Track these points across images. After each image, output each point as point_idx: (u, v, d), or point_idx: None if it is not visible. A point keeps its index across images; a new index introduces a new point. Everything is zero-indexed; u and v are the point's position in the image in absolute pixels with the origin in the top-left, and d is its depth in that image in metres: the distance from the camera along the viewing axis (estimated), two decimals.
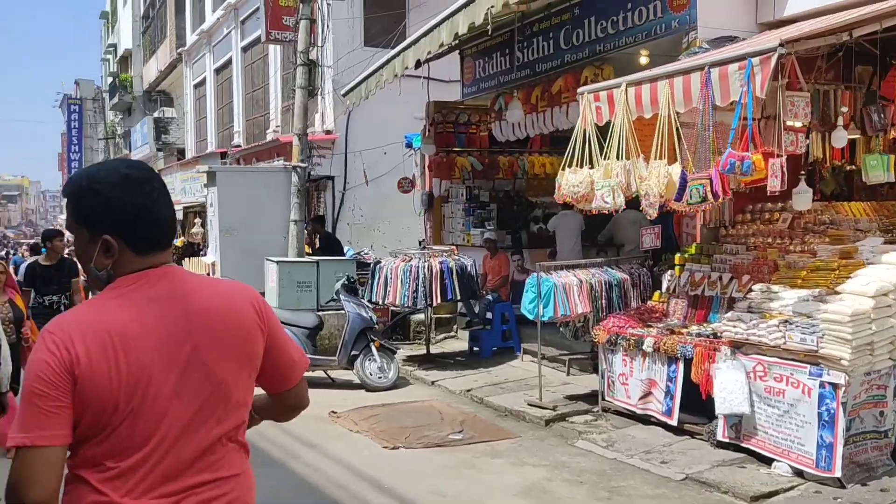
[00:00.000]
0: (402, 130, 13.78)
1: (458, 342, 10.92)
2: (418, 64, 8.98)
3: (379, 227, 15.10)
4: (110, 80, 37.05)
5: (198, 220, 19.50)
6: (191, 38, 24.21)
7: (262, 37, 14.93)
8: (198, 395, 1.74)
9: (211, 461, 1.77)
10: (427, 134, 11.21)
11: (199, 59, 23.61)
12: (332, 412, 7.58)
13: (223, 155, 18.30)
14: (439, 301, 9.11)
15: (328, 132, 14.40)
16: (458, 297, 9.19)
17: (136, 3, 32.84)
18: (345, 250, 11.99)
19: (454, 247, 9.87)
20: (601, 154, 6.51)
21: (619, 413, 6.89)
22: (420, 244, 11.68)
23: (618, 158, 6.36)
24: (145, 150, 28.22)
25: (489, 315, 9.94)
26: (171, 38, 27.01)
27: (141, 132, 28.79)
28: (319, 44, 12.09)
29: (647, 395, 6.56)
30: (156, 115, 28.09)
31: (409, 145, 12.64)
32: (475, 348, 10.06)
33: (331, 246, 11.42)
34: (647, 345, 6.45)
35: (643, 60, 8.47)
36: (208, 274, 11.23)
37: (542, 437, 6.64)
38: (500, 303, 9.87)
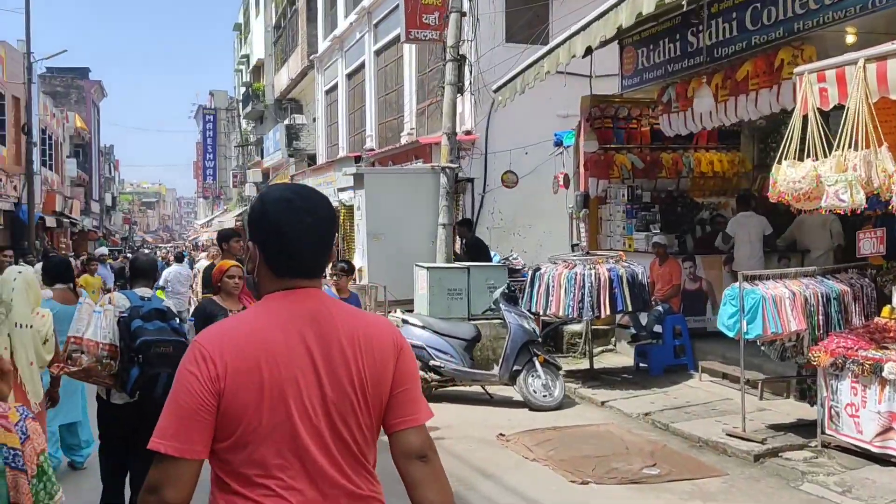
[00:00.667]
0: (543, 130, 12.98)
1: (619, 356, 9.99)
2: (588, 51, 8.12)
3: (518, 232, 14.31)
4: (243, 89, 38.11)
5: None
6: (322, 44, 24.27)
7: (401, 36, 14.49)
8: (335, 416, 1.76)
9: (352, 481, 1.77)
10: (583, 130, 10.33)
11: (331, 65, 23.62)
12: (501, 435, 6.86)
13: (357, 159, 18.00)
14: (608, 312, 8.24)
15: (468, 133, 13.74)
16: (630, 309, 8.28)
17: (269, 14, 33.55)
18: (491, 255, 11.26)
19: (622, 252, 8.95)
20: (829, 144, 5.49)
21: (844, 450, 5.80)
22: (573, 248, 10.82)
23: (853, 148, 5.33)
24: (277, 156, 28.66)
25: (658, 328, 8.97)
26: (303, 46, 27.26)
27: (273, 139, 29.26)
28: (469, 37, 11.42)
29: (886, 430, 5.45)
30: (287, 122, 28.44)
31: (558, 143, 11.79)
32: (642, 364, 9.11)
33: (478, 251, 10.72)
34: (889, 371, 5.34)
35: (849, 39, 7.31)
36: (353, 281, 10.82)
37: (756, 477, 5.65)
38: (671, 315, 8.88)
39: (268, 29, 33.73)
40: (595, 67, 10.85)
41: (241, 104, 38.26)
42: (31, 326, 5.03)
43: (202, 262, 14.76)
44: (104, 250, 34.82)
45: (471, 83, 11.57)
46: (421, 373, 8.42)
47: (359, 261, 10.98)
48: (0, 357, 2.03)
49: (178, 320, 4.98)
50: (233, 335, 1.76)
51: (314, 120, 28.33)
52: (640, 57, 10.01)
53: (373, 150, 18.46)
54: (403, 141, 16.79)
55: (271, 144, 29.82)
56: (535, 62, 8.74)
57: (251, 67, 36.65)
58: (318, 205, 1.86)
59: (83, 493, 5.40)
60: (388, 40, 18.41)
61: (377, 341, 1.84)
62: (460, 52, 10.45)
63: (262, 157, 33.98)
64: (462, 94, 10.93)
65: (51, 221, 29.55)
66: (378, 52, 19.38)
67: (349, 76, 22.16)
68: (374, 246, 10.68)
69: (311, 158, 27.53)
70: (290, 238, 1.79)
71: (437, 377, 8.10)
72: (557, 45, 8.15)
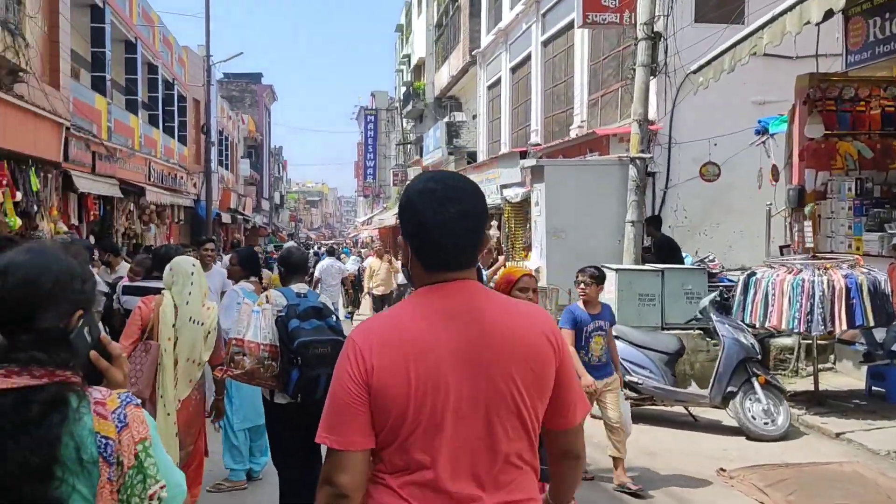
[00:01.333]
0: (736, 118, 11.58)
1: (841, 377, 8.50)
2: (828, 15, 6.79)
3: (705, 231, 12.91)
4: (404, 89, 38.35)
5: (493, 223, 18.66)
6: (486, 38, 23.67)
7: (576, 21, 13.48)
8: (488, 412, 1.70)
9: (504, 481, 1.72)
10: (798, 114, 8.91)
11: (494, 59, 22.96)
12: (721, 470, 5.74)
13: (523, 154, 17.16)
14: (844, 327, 6.87)
15: (651, 122, 12.51)
16: (871, 323, 6.87)
17: (430, 13, 33.45)
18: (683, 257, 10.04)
19: (858, 256, 7.51)
20: None
21: None
22: (781, 251, 9.40)
23: None
24: (437, 154, 28.38)
25: None
26: (465, 42, 26.81)
27: (433, 137, 29.04)
28: (664, 13, 10.24)
29: None
30: (447, 119, 28.10)
31: (760, 132, 10.36)
32: (875, 388, 7.63)
33: (668, 252, 9.55)
34: None
35: None
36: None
37: None
38: None
39: (429, 28, 33.63)
40: (799, 48, 9.43)
41: (401, 104, 38.52)
42: (203, 324, 4.76)
43: (371, 261, 14.51)
44: (271, 247, 36.25)
45: (665, 64, 10.36)
46: None
47: (536, 260, 10.11)
48: (110, 343, 1.77)
49: (335, 317, 4.72)
50: (384, 330, 1.75)
51: (474, 117, 27.86)
52: (870, 28, 8.48)
53: (538, 144, 17.56)
54: (573, 134, 15.78)
55: (431, 142, 29.62)
56: (752, 34, 7.47)
57: (412, 67, 36.78)
58: (464, 193, 1.79)
59: None
60: (558, 29, 17.45)
61: (533, 336, 1.77)
62: (654, 30, 9.28)
63: (422, 156, 33.97)
64: (655, 77, 9.73)
65: (226, 218, 30.90)
66: (545, 43, 18.45)
67: (513, 70, 21.37)
68: (554, 244, 9.75)
69: (471, 156, 27.02)
70: (433, 230, 1.74)
71: (633, 395, 7.08)
72: (783, 12, 6.86)
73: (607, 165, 10.43)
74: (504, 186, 18.61)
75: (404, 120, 37.70)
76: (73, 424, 1.52)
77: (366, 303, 17.15)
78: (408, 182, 1.97)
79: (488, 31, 23.51)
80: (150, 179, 18.89)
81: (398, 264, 16.57)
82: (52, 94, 13.38)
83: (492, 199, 20.17)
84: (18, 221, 10.69)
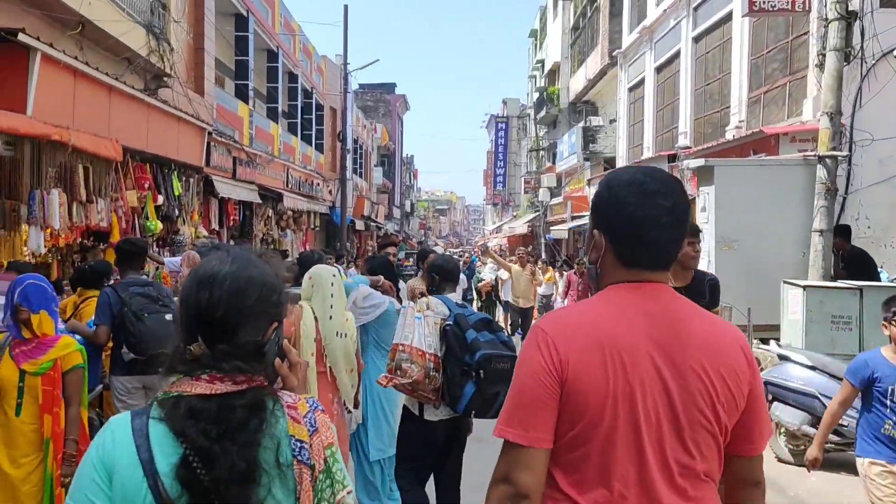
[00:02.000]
0: None
1: None
2: None
3: (892, 243, 11.22)
4: (537, 95, 37.42)
5: None
6: (627, 38, 22.39)
7: (739, 10, 12.18)
8: (684, 425, 1.58)
9: (693, 497, 1.59)
10: None
11: (637, 59, 21.64)
12: None
13: (672, 158, 15.85)
14: None
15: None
16: None
17: (566, 16, 32.39)
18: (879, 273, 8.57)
19: None
20: None
21: None
22: None
23: None
24: (572, 160, 27.26)
25: None
26: (603, 43, 25.59)
27: (568, 143, 27.94)
28: None
29: None
30: (583, 124, 26.93)
31: None
32: None
33: (861, 267, 8.14)
34: None
35: None
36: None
37: None
38: None
39: (565, 31, 32.58)
40: None
41: (534, 110, 37.61)
42: (347, 335, 4.42)
43: (513, 268, 13.55)
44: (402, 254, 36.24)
45: (861, 49, 8.93)
46: (810, 429, 6.24)
47: None
48: (291, 350, 1.69)
49: (504, 332, 4.38)
50: (576, 324, 1.64)
51: (612, 121, 26.55)
52: None
53: (688, 147, 16.15)
54: (729, 136, 14.33)
55: (566, 148, 28.51)
56: None
57: (545, 72, 35.81)
58: (672, 186, 1.71)
59: None
60: (712, 23, 16.03)
61: (731, 352, 1.64)
62: (849, 9, 7.92)
63: (554, 162, 32.90)
64: (849, 63, 8.35)
65: (359, 225, 31.04)
66: (697, 39, 17.03)
67: (658, 69, 19.99)
68: (725, 256, 8.54)
69: (608, 161, 25.73)
70: (644, 225, 1.65)
71: (835, 437, 5.87)
72: None
73: (790, 166, 9.07)
74: (699, 184, 17.32)
75: (537, 126, 36.75)
76: (272, 428, 1.52)
77: (500, 314, 16.36)
78: (606, 176, 1.81)
79: (630, 30, 22.22)
80: (288, 186, 18.97)
81: (542, 276, 15.65)
82: (196, 100, 13.45)
83: None
84: (159, 225, 10.61)
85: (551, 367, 1.56)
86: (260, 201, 16.05)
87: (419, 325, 4.26)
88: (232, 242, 15.95)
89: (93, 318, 5.02)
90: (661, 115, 20.03)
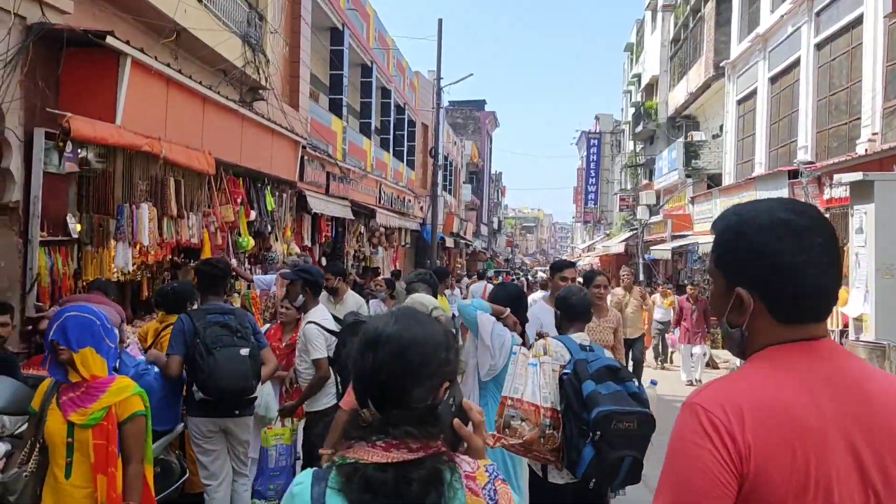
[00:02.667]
0: None
1: None
2: None
3: None
4: (633, 110, 36.09)
5: None
6: (736, 48, 21.01)
7: (879, 11, 10.83)
8: None
9: None
10: None
11: (747, 70, 20.23)
12: None
13: (793, 174, 14.50)
14: None
15: None
16: None
17: (666, 28, 31.07)
18: None
19: None
20: None
21: None
22: None
23: None
24: (672, 177, 25.88)
25: None
26: (707, 55, 24.21)
27: (668, 159, 26.56)
28: None
29: None
30: (684, 139, 25.53)
31: None
32: None
33: None
34: None
35: None
36: (844, 335, 7.63)
37: None
38: None
39: (664, 44, 31.25)
40: None
41: (629, 125, 36.27)
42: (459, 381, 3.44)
43: (616, 292, 11.16)
44: (491, 272, 35.42)
45: None
46: None
47: (858, 305, 7.72)
48: (472, 407, 1.56)
49: (635, 381, 3.58)
50: (752, 402, 1.30)
51: (714, 136, 25.09)
52: None
53: (812, 163, 14.75)
54: (861, 150, 12.92)
55: (665, 164, 27.13)
56: None
57: (642, 86, 34.47)
58: (819, 220, 1.43)
59: None
60: (838, 28, 14.63)
61: None
62: None
63: (651, 179, 31.49)
64: None
65: (449, 242, 30.43)
66: (820, 46, 15.61)
67: (773, 80, 18.57)
68: (887, 285, 7.33)
69: (711, 178, 24.29)
70: (805, 272, 1.36)
71: None
72: None
73: None
74: (853, 203, 15.93)
75: (633, 142, 35.39)
76: (449, 502, 1.46)
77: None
78: (726, 219, 1.47)
79: (741, 39, 20.84)
80: (380, 202, 18.49)
81: (656, 298, 14.49)
82: (291, 113, 13.07)
83: None
84: (251, 241, 10.15)
85: (727, 459, 1.26)
86: (353, 217, 15.57)
87: (534, 374, 3.56)
88: (324, 260, 15.52)
89: None
90: (775, 129, 18.56)
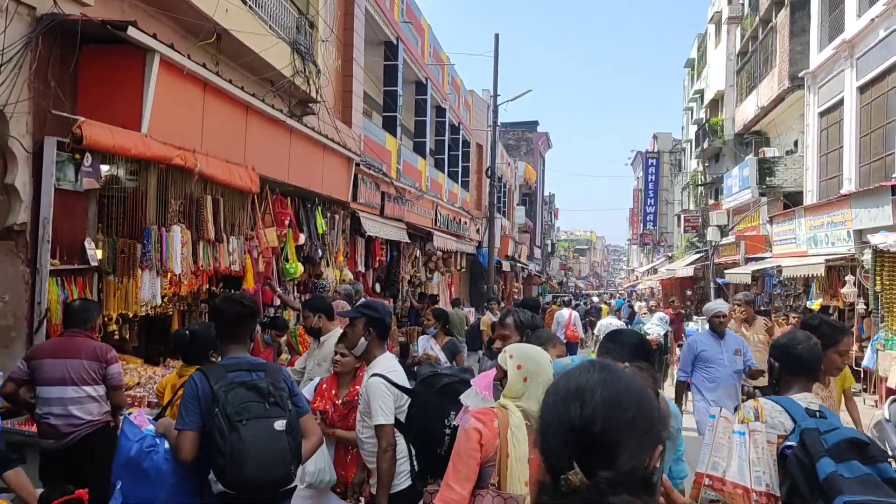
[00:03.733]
0: None
1: None
2: None
3: None
4: (695, 127, 34.45)
5: (849, 278, 14.40)
6: (818, 56, 19.41)
7: None
8: None
9: None
10: None
11: (831, 79, 18.61)
12: None
13: None
14: None
15: None
16: None
17: (731, 41, 29.51)
18: None
19: None
20: None
21: None
22: None
23: None
24: (744, 195, 24.16)
25: None
26: (781, 66, 22.61)
27: (739, 176, 24.87)
28: None
29: None
30: (758, 156, 23.86)
31: None
32: None
33: None
34: None
35: None
36: None
37: None
38: None
39: (730, 57, 29.67)
40: None
41: (692, 143, 34.63)
42: None
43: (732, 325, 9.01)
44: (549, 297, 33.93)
45: None
46: None
47: None
48: (671, 489, 1.59)
49: (892, 462, 2.61)
50: None
51: (788, 152, 23.40)
52: None
53: None
54: None
55: (736, 182, 25.43)
56: None
57: (706, 103, 32.82)
58: None
59: None
60: None
61: None
62: None
63: (717, 199, 29.77)
64: None
65: (505, 265, 29.18)
66: None
67: (862, 89, 16.92)
68: None
69: (787, 197, 22.56)
70: None
71: None
72: None
73: None
74: (865, 231, 14.32)
75: (696, 160, 33.71)
76: None
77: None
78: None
79: (822, 47, 19.24)
80: (436, 224, 17.38)
81: (783, 330, 12.82)
82: (343, 130, 12.06)
83: (837, 247, 15.90)
84: (300, 268, 9.08)
85: None
86: (408, 240, 14.46)
87: (740, 446, 2.74)
88: (378, 286, 14.43)
89: None
90: (865, 142, 16.89)
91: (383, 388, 3.77)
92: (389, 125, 16.79)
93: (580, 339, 15.68)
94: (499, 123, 37.65)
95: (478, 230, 23.58)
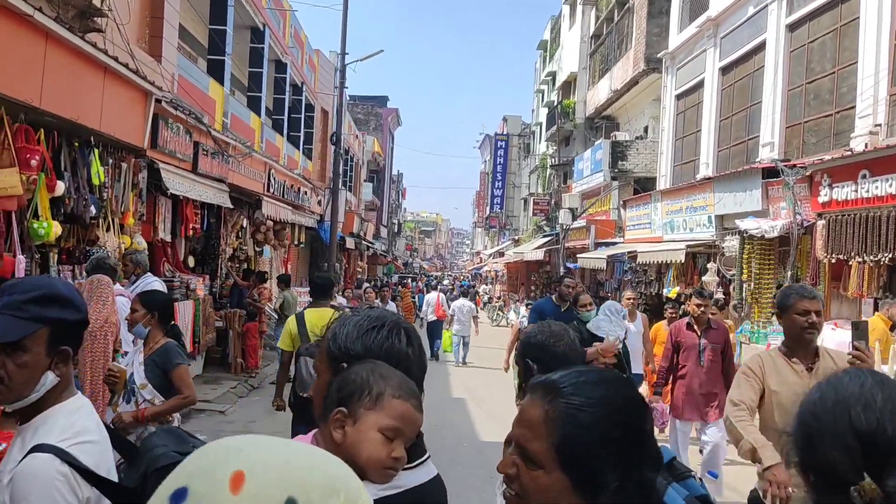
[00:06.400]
0: None
1: None
2: None
3: None
4: (546, 110, 33.67)
5: (711, 266, 13.47)
6: (678, 36, 18.63)
7: None
8: None
9: None
10: None
11: (691, 60, 17.84)
12: None
13: (769, 173, 11.97)
14: None
15: None
16: None
17: (586, 23, 28.73)
18: None
19: None
20: None
21: None
22: None
23: None
24: (596, 178, 23.33)
25: None
26: (637, 49, 21.86)
27: (591, 160, 24.02)
28: None
29: None
30: (611, 139, 23.08)
31: None
32: None
33: None
34: None
35: None
36: None
37: None
38: None
39: (584, 39, 28.92)
40: None
41: (542, 126, 33.84)
42: None
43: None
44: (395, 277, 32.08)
45: None
46: None
47: None
48: None
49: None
50: None
51: (637, 138, 22.83)
52: None
53: (787, 160, 12.29)
54: (859, 145, 10.49)
55: (587, 166, 24.60)
56: None
57: (557, 85, 32.06)
58: None
59: None
60: (820, 4, 12.28)
61: None
62: None
63: (566, 182, 29.08)
64: None
65: (350, 242, 26.89)
66: (794, 27, 13.23)
67: (725, 69, 16.18)
68: None
69: (637, 182, 21.93)
70: None
71: None
72: None
73: None
74: (728, 217, 13.42)
75: (546, 144, 32.94)
76: None
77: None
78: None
79: (682, 26, 18.47)
80: (269, 189, 14.80)
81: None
82: (146, 61, 9.31)
83: (696, 233, 15.05)
84: (56, 228, 6.40)
85: None
86: (231, 206, 11.86)
87: None
88: (191, 260, 11.76)
89: None
90: (726, 125, 16.18)
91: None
92: (215, 70, 14.02)
93: (447, 317, 17.84)
94: (349, 97, 34.99)
95: (319, 202, 21.11)
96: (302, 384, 4.92)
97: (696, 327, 7.06)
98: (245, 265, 13.66)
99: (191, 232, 10.73)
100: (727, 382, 6.29)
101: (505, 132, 45.24)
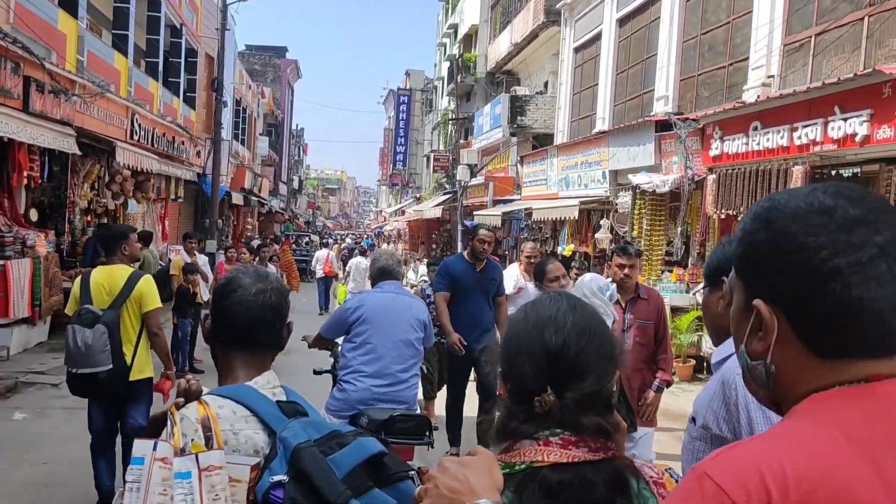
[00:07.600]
0: None
1: None
2: None
3: None
4: (448, 64, 32.70)
5: (604, 222, 13.06)
6: None
7: None
8: None
9: None
10: None
11: (589, 11, 17.25)
12: None
13: (663, 126, 11.56)
14: None
15: None
16: None
17: None
18: None
19: None
20: None
21: None
22: None
23: None
24: (495, 134, 22.72)
25: None
26: (537, 0, 21.18)
27: (491, 115, 23.37)
28: None
29: None
30: (511, 93, 22.43)
31: None
32: None
33: None
34: None
35: None
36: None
37: None
38: None
39: None
40: None
41: (444, 80, 32.89)
42: None
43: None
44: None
45: None
46: None
47: None
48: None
49: None
50: (783, 468, 0.83)
51: (537, 93, 22.29)
52: None
53: (680, 114, 11.91)
54: (751, 97, 10.16)
55: (487, 121, 23.94)
56: None
57: (459, 38, 31.11)
58: (878, 205, 0.91)
59: None
60: None
61: None
62: None
63: (467, 138, 28.37)
64: None
65: (237, 198, 25.35)
66: None
67: (622, 21, 15.68)
68: None
69: (536, 138, 21.45)
70: (852, 281, 0.87)
71: None
72: None
73: None
74: (622, 172, 12.99)
75: (447, 98, 32.05)
76: None
77: None
78: (758, 208, 0.95)
79: None
80: (132, 137, 13.31)
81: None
82: None
83: (590, 189, 14.62)
84: None
85: None
86: (79, 152, 10.44)
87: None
88: (33, 214, 10.35)
89: None
90: (622, 79, 15.74)
91: None
92: (69, 5, 12.36)
93: (336, 274, 18.21)
94: (245, 46, 32.78)
95: (198, 154, 19.56)
96: (69, 357, 3.97)
97: (619, 297, 4.89)
98: (104, 219, 12.26)
99: (25, 181, 9.33)
100: (661, 374, 4.89)
101: (408, 87, 44.00)
